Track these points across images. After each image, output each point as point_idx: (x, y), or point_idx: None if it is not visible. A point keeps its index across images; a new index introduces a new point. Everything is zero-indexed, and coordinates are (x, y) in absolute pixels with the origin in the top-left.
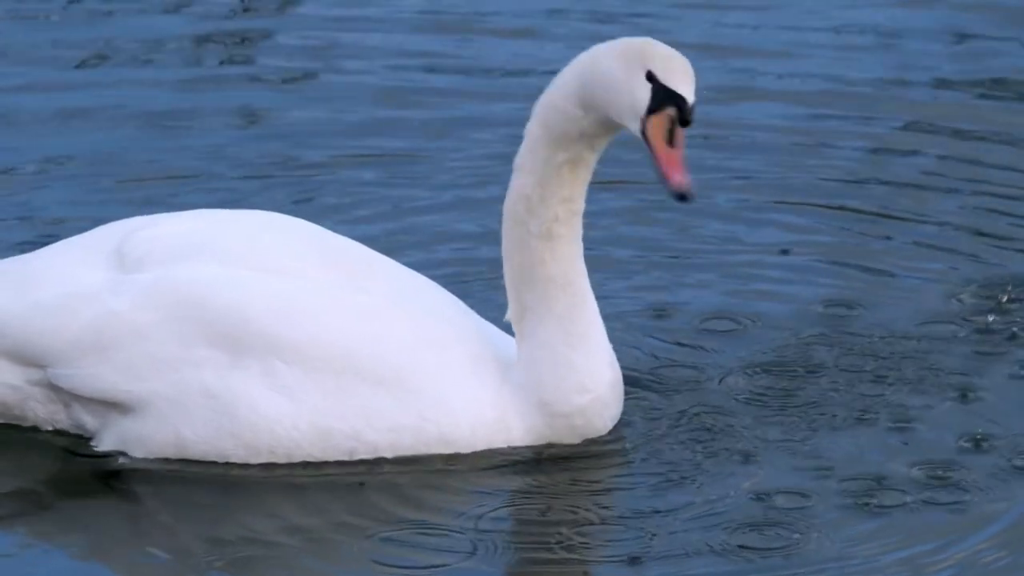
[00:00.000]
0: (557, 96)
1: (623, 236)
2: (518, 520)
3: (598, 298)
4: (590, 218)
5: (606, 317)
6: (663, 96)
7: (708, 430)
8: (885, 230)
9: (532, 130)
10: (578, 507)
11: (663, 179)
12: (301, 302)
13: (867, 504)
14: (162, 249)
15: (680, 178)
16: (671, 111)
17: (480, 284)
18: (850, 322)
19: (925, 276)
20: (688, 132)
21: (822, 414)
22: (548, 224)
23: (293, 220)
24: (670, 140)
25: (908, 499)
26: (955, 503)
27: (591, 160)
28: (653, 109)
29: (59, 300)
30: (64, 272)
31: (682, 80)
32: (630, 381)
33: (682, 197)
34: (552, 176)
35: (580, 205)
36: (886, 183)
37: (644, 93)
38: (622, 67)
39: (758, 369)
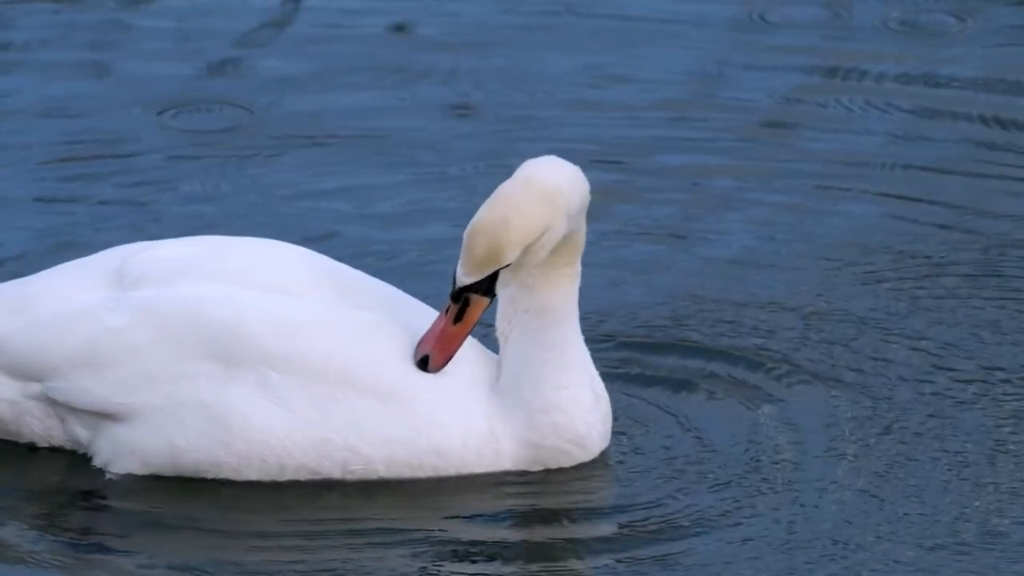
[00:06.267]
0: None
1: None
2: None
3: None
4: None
5: None
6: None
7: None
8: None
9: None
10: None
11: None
12: (296, 317)
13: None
14: (160, 269)
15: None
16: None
17: None
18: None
19: None
20: None
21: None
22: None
23: (290, 246)
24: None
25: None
26: None
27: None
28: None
29: (58, 316)
30: (63, 292)
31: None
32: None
33: (424, 362)
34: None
35: (578, 265)
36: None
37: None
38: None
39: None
